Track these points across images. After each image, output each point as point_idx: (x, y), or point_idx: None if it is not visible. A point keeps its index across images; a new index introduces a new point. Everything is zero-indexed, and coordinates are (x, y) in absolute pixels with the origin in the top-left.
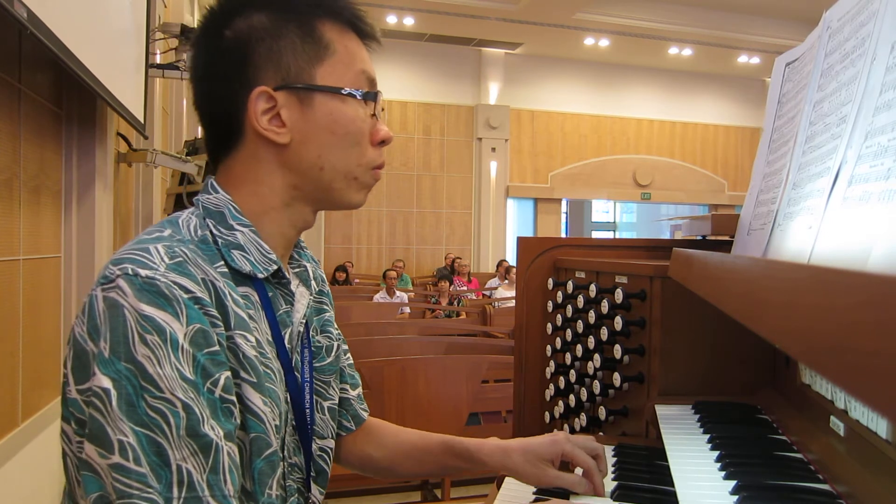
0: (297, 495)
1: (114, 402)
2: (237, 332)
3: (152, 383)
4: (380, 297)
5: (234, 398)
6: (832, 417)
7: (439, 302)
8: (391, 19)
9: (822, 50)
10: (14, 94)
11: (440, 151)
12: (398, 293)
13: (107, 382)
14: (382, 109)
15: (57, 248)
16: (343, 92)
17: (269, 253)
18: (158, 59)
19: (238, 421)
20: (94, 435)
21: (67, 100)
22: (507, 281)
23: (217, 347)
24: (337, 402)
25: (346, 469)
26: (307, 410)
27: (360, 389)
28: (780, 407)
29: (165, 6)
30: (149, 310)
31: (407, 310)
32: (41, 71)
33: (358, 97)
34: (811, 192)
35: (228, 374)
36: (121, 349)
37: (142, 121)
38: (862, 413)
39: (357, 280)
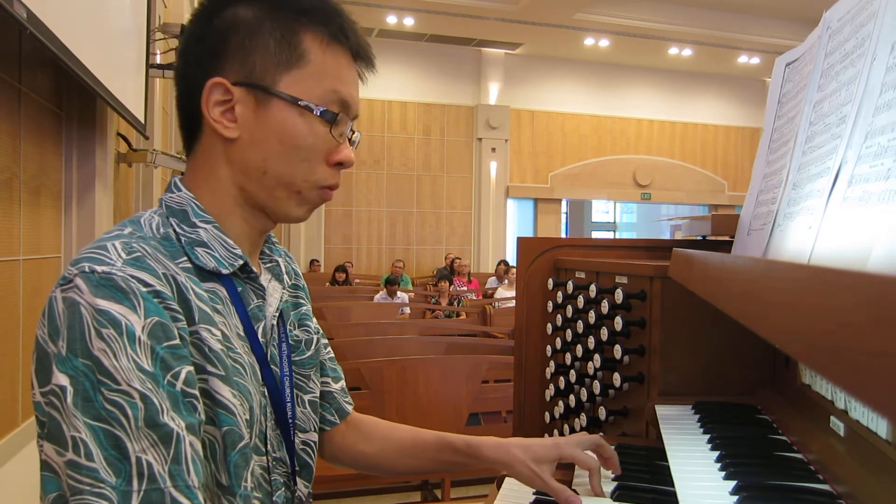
0: (283, 489)
1: (69, 399)
2: (202, 325)
3: (109, 376)
4: (380, 297)
5: (197, 393)
6: (832, 417)
7: (439, 302)
8: (391, 19)
9: (822, 50)
10: (14, 94)
11: (440, 152)
12: (398, 293)
13: (64, 380)
14: (354, 132)
15: (57, 248)
16: (300, 104)
17: (234, 248)
18: (158, 59)
19: (203, 416)
20: (51, 433)
21: (67, 100)
22: (506, 281)
23: (178, 341)
24: (318, 395)
25: (344, 469)
26: (288, 404)
27: (342, 383)
28: (780, 407)
29: (165, 6)
30: (104, 304)
31: (407, 310)
32: (41, 71)
33: (315, 113)
34: (811, 192)
35: (191, 368)
36: (77, 346)
37: (142, 121)
38: (862, 413)
39: (357, 280)
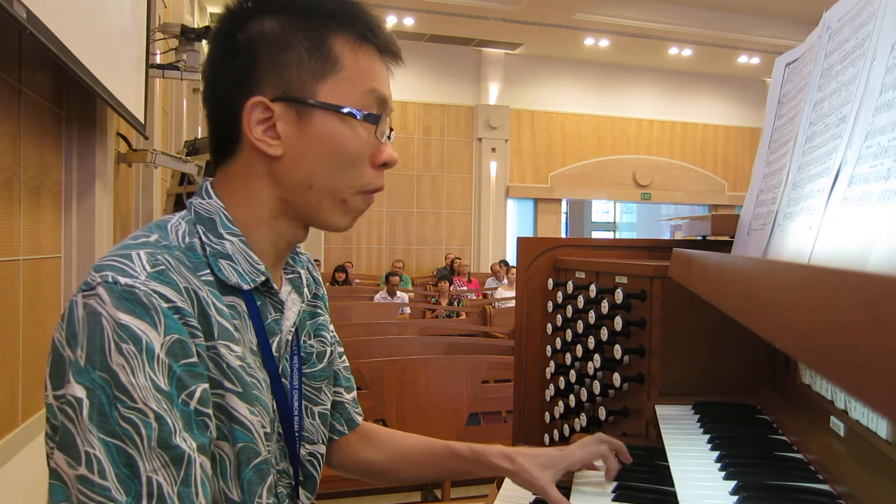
0: (287, 501)
1: (85, 413)
2: (220, 342)
3: (125, 393)
4: (380, 297)
5: (210, 411)
6: (832, 417)
7: (439, 302)
8: (391, 19)
9: (822, 50)
10: (14, 94)
11: (440, 152)
12: (398, 293)
13: (80, 392)
14: (391, 129)
15: (57, 248)
16: (343, 111)
17: (257, 263)
18: (158, 59)
19: (214, 434)
20: (64, 444)
21: (67, 100)
22: (505, 281)
23: (195, 359)
24: (328, 406)
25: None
26: (295, 417)
27: (354, 393)
28: (780, 407)
29: (165, 6)
30: (126, 318)
31: (407, 310)
32: (41, 71)
33: (358, 118)
34: (811, 192)
35: (206, 386)
36: (96, 358)
37: (142, 121)
38: (862, 413)
39: (357, 280)
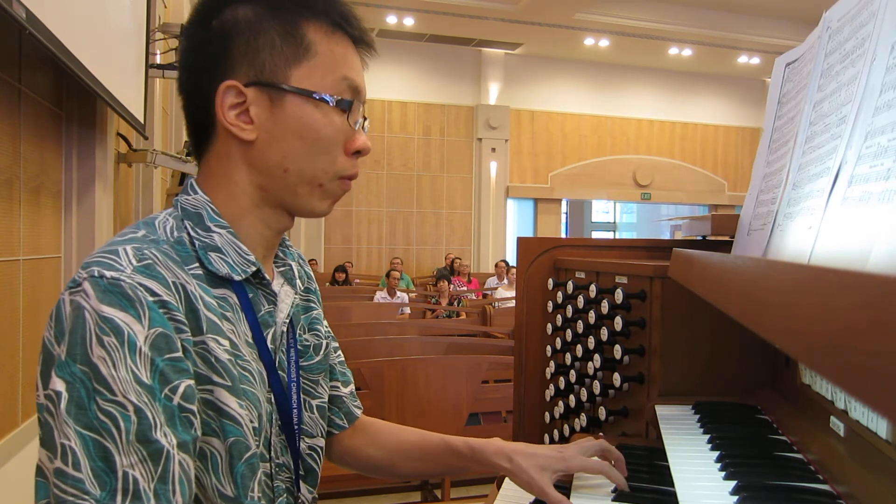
0: (285, 495)
1: (62, 405)
2: (209, 336)
3: (105, 385)
4: (380, 297)
5: (195, 408)
6: (832, 417)
7: (439, 302)
8: (391, 19)
9: (822, 50)
10: (14, 94)
11: (440, 151)
12: (398, 293)
13: (60, 385)
14: (365, 118)
15: (57, 248)
16: (315, 96)
17: (247, 254)
18: (158, 60)
19: (199, 433)
20: (44, 439)
21: (67, 100)
22: (505, 281)
23: (180, 354)
24: (326, 400)
25: (345, 469)
26: (294, 410)
27: (352, 387)
28: (780, 407)
29: (165, 6)
30: (109, 311)
31: (407, 310)
32: (41, 71)
33: (331, 104)
34: (811, 192)
35: (191, 382)
36: (77, 351)
37: (142, 121)
38: (862, 413)
39: (357, 280)
